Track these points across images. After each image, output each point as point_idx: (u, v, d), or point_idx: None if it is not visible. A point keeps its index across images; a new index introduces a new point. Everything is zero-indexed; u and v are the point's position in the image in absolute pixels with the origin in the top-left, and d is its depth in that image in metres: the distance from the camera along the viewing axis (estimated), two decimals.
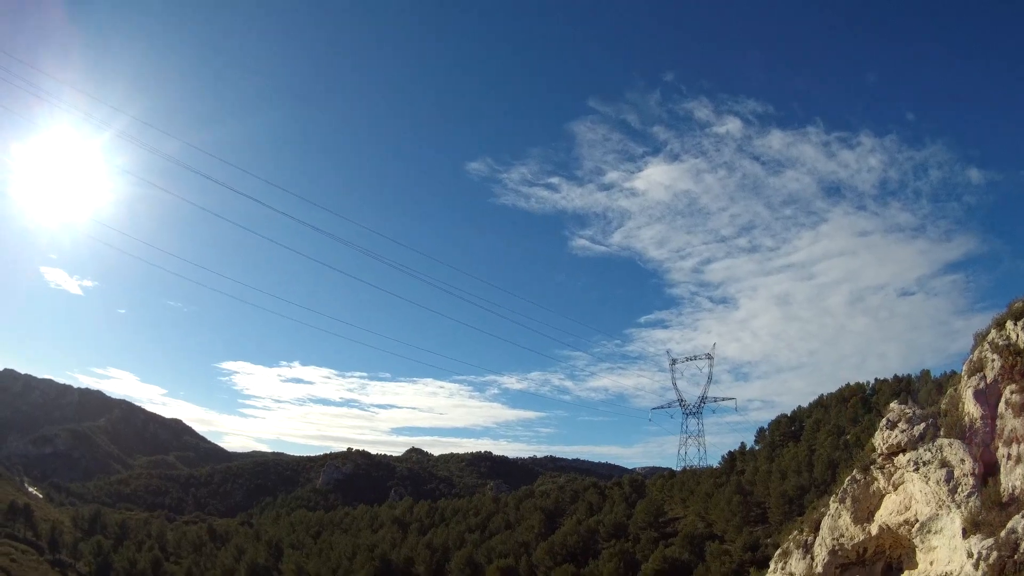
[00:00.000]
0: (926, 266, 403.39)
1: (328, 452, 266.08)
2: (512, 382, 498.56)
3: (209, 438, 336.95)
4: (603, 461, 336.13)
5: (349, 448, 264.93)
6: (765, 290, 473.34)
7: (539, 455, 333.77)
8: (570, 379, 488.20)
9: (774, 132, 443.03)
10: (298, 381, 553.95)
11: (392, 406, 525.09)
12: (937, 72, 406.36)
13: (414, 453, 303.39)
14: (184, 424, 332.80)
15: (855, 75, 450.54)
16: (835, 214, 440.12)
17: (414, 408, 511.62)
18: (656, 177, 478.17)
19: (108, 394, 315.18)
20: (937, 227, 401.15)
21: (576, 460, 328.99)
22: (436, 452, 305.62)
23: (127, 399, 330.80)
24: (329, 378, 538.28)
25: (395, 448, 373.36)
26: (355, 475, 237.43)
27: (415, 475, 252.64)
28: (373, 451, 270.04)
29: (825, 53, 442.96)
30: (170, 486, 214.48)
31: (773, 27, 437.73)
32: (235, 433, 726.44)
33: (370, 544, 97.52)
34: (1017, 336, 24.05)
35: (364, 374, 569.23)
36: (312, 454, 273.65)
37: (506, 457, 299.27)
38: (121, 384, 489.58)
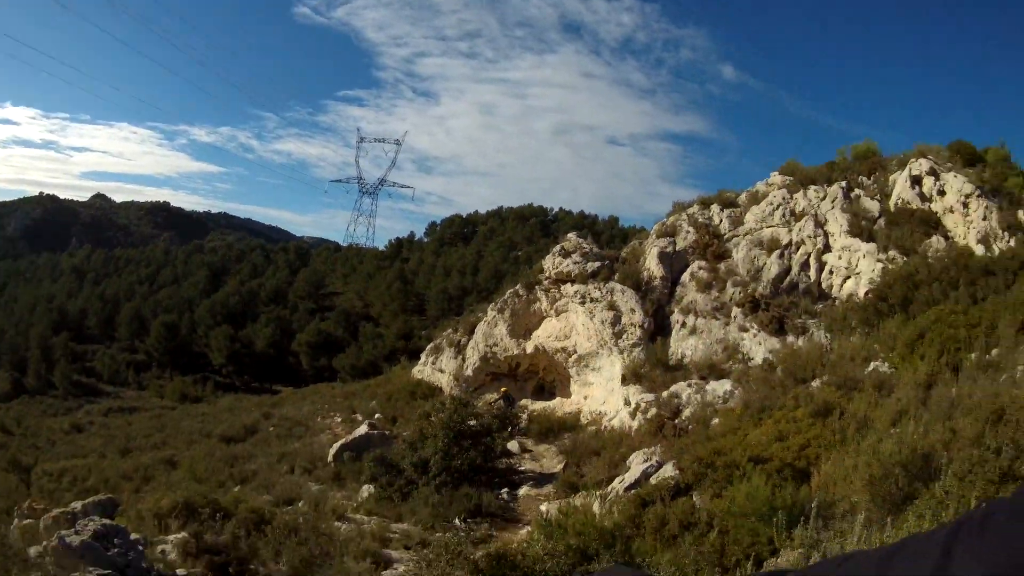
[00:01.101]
0: (644, 127, 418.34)
1: (23, 196, 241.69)
2: (201, 134, 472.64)
3: None
4: (274, 225, 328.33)
5: (41, 192, 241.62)
6: (472, 95, 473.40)
7: (214, 210, 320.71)
8: (257, 139, 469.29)
9: None
10: (6, 122, 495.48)
11: (87, 149, 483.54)
12: None
13: (98, 199, 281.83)
14: None
15: None
16: (566, 50, 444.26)
17: (106, 152, 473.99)
18: None
19: None
20: (669, 99, 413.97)
21: (248, 220, 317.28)
22: (119, 199, 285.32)
23: None
24: (34, 119, 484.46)
25: (84, 193, 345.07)
26: (44, 221, 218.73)
27: (98, 222, 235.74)
28: (63, 196, 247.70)
29: None
30: None
31: None
32: None
33: (49, 295, 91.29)
34: (720, 221, 26.09)
35: (66, 115, 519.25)
36: (7, 199, 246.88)
37: (182, 209, 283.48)
38: None
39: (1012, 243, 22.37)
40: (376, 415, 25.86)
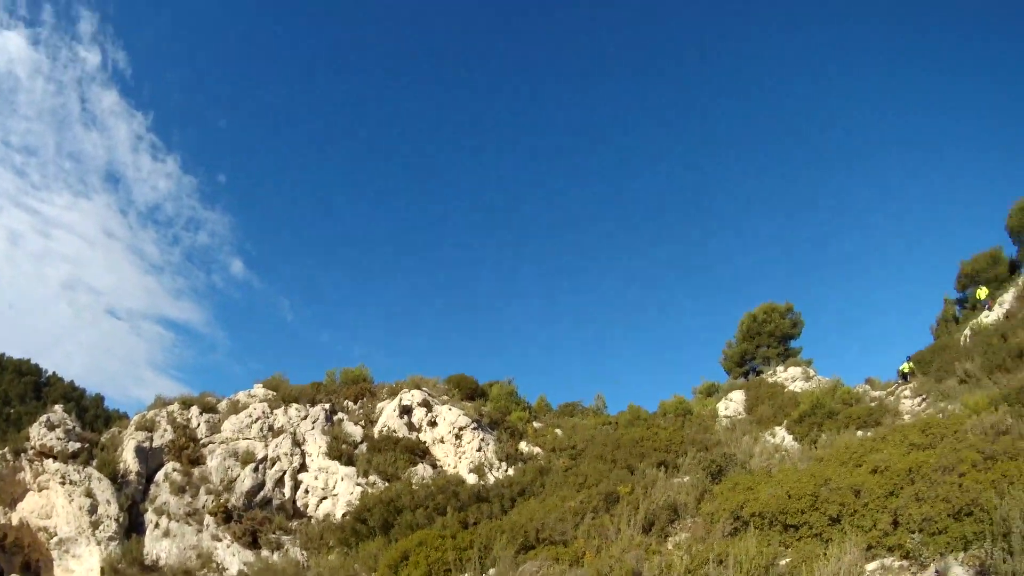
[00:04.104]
0: (144, 305, 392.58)
1: None
2: None
3: None
4: None
5: None
6: (6, 218, 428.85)
7: None
8: None
9: None
10: None
11: None
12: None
13: None
14: None
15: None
16: (100, 200, 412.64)
17: None
18: None
19: None
20: (174, 281, 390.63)
21: None
22: None
23: None
24: None
25: None
26: None
27: None
28: None
29: None
30: None
31: None
32: None
33: None
34: (199, 425, 28.14)
35: None
36: None
37: None
38: None
39: (511, 472, 26.06)
40: None
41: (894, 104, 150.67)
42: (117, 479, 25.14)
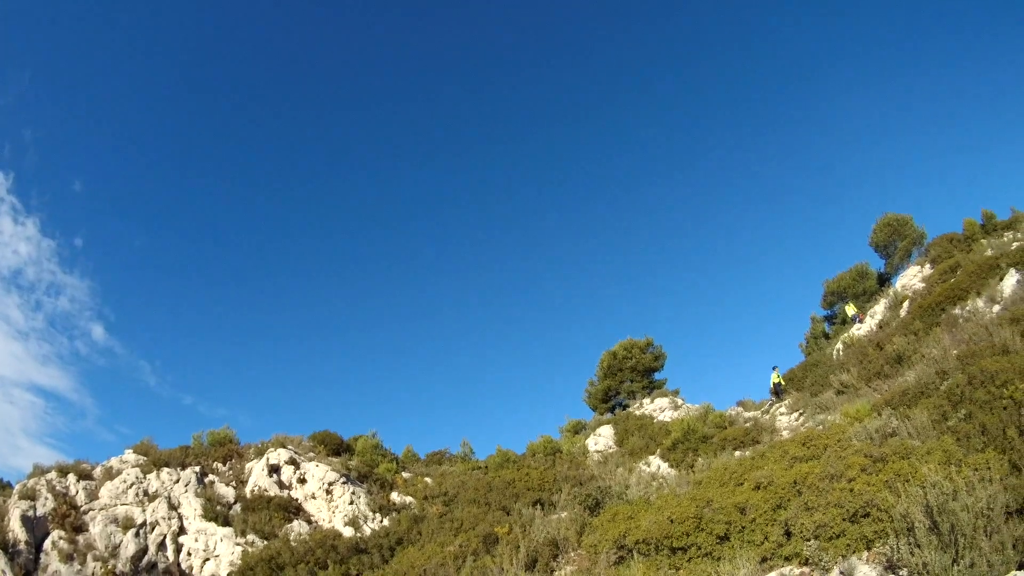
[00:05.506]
0: (13, 372, 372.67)
1: None
2: None
3: None
4: None
5: None
6: None
7: None
8: None
9: None
10: None
11: None
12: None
13: None
14: None
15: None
16: None
17: None
18: None
19: None
20: (40, 347, 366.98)
21: None
22: None
23: None
24: None
25: None
26: None
27: None
28: None
29: None
30: None
31: None
32: None
33: None
34: (77, 492, 29.27)
35: None
36: None
37: None
38: None
39: (386, 522, 27.25)
40: None
41: (751, 128, 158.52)
42: (8, 549, 25.80)
